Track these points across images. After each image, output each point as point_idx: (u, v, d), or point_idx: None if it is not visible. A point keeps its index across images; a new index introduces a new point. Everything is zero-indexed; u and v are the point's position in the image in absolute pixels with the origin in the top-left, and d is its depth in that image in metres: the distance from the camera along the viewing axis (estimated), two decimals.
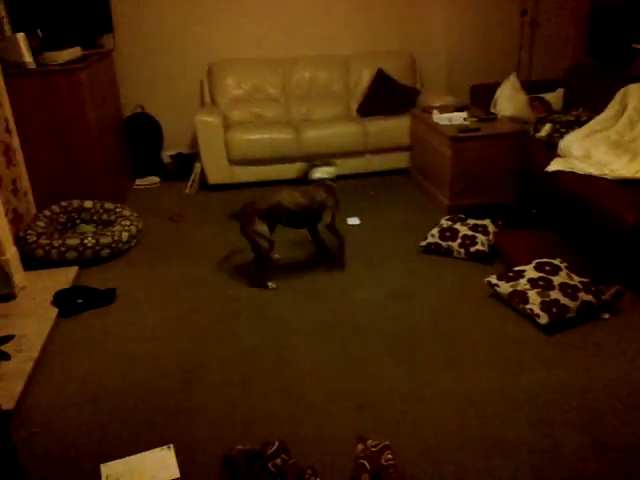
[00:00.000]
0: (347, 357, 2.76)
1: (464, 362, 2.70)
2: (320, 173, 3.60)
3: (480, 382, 2.55)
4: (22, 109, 4.01)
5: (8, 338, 2.87)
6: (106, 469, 2.14)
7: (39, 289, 3.37)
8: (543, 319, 2.87)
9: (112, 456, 2.20)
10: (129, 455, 2.20)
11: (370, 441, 2.16)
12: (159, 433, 2.31)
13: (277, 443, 2.10)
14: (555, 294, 2.94)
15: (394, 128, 5.05)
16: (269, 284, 3.40)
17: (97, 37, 4.91)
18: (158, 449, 2.22)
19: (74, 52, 4.28)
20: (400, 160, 5.19)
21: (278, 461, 2.00)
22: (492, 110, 4.77)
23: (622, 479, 2.05)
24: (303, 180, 3.63)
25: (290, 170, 5.00)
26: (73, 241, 3.67)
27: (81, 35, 4.54)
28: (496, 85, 4.87)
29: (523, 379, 2.57)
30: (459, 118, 4.48)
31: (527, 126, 4.44)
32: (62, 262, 3.64)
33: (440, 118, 4.50)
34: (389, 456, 2.07)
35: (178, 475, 2.10)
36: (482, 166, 4.20)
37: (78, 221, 4.16)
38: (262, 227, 3.32)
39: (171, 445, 2.23)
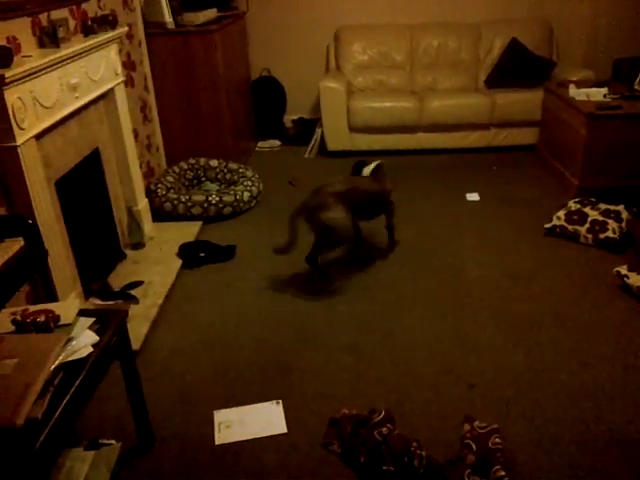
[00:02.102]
0: (460, 334, 2.70)
1: (584, 353, 2.55)
2: (369, 170, 3.34)
3: (600, 377, 2.41)
4: (159, 68, 4.21)
5: (138, 284, 3.08)
6: (219, 416, 2.27)
7: (166, 240, 3.59)
8: None
9: (225, 404, 2.32)
10: (241, 405, 2.31)
11: (478, 422, 2.12)
12: (270, 387, 2.40)
13: (384, 412, 2.12)
14: None
15: (524, 101, 4.79)
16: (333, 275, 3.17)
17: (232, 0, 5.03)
18: (268, 403, 2.31)
19: (210, 14, 4.42)
20: (528, 136, 4.93)
21: (384, 430, 2.01)
22: (636, 87, 4.38)
23: None
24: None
25: (411, 140, 4.94)
26: (199, 197, 3.85)
27: None
28: None
29: None
30: (598, 94, 4.16)
31: None
32: (187, 216, 3.84)
33: (577, 93, 4.20)
34: (497, 440, 2.02)
35: (286, 430, 2.18)
36: (620, 147, 3.89)
37: (203, 179, 4.35)
38: (342, 211, 2.99)
39: (280, 401, 2.31)
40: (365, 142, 4.96)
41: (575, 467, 1.99)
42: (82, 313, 1.83)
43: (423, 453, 1.89)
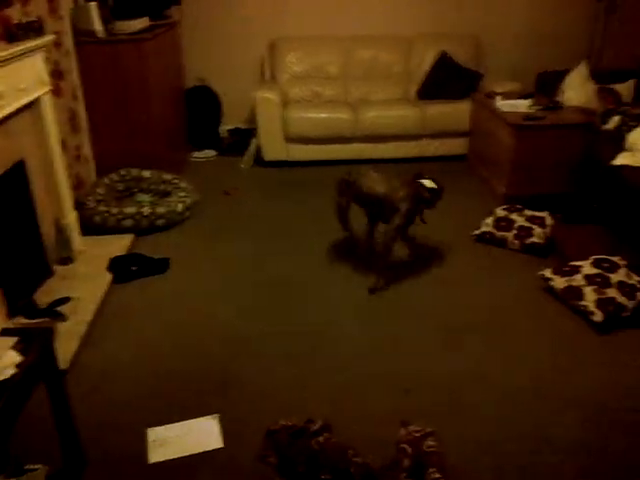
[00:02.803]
0: (395, 340, 2.74)
1: (514, 355, 2.65)
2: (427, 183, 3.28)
3: (529, 377, 2.50)
4: (89, 77, 4.10)
5: (65, 300, 2.97)
6: (152, 433, 2.21)
7: (95, 254, 3.48)
8: (597, 317, 2.79)
9: (159, 421, 2.26)
10: (175, 422, 2.26)
11: (413, 426, 2.15)
12: (206, 402, 2.36)
13: (321, 421, 2.11)
14: (612, 292, 2.85)
15: (454, 113, 4.95)
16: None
17: (165, 8, 4.96)
18: (204, 418, 2.27)
19: (142, 22, 4.34)
20: (458, 146, 5.08)
21: (321, 439, 2.01)
22: (558, 99, 4.60)
23: None
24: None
25: (346, 151, 5.00)
26: (130, 209, 3.76)
27: (150, 6, 4.59)
28: (564, 73, 4.69)
29: (573, 377, 2.50)
30: (523, 105, 4.35)
31: (594, 117, 4.26)
32: (118, 229, 3.74)
33: (503, 104, 4.38)
34: (432, 443, 2.05)
35: (222, 445, 2.15)
36: (544, 156, 4.07)
37: (136, 190, 4.26)
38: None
39: (217, 415, 2.28)
40: (301, 152, 4.99)
41: (508, 466, 2.06)
42: (5, 332, 1.75)
43: (359, 460, 1.89)
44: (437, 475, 1.87)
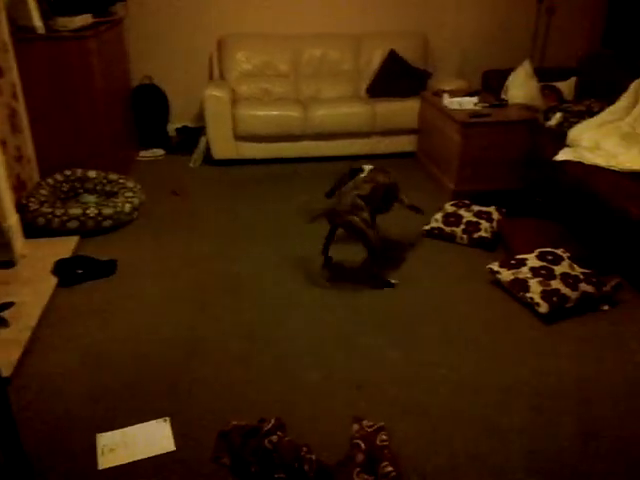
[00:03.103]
0: (345, 338, 2.75)
1: (462, 347, 2.70)
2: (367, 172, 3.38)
3: (477, 368, 2.55)
4: (30, 75, 3.96)
5: (7, 305, 2.86)
6: (102, 439, 2.15)
7: (39, 257, 3.37)
8: (543, 308, 2.87)
9: (109, 427, 2.21)
10: (126, 426, 2.21)
11: (366, 421, 2.17)
12: (156, 405, 2.32)
13: (273, 420, 2.11)
14: (556, 283, 2.93)
15: (403, 110, 5.00)
16: (392, 281, 3.18)
17: (109, 5, 4.83)
18: (154, 421, 2.23)
19: (85, 19, 4.22)
20: (408, 143, 5.15)
21: (274, 438, 2.01)
22: (503, 96, 4.72)
23: (610, 470, 2.06)
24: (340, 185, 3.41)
25: (297, 148, 4.99)
26: (75, 210, 3.65)
27: (93, 2, 4.47)
28: (509, 71, 4.81)
29: (520, 366, 2.57)
30: (470, 103, 4.44)
31: (537, 114, 4.38)
32: (63, 231, 3.63)
33: (450, 102, 4.45)
34: (384, 437, 2.08)
35: (174, 448, 2.11)
36: (490, 152, 4.17)
37: (81, 191, 4.14)
38: (367, 215, 3.09)
39: (167, 418, 2.24)
40: (251, 150, 4.95)
41: (456, 456, 2.10)
42: None
43: (313, 457, 1.90)
44: (390, 468, 1.90)
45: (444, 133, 4.41)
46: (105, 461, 2.06)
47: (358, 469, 1.92)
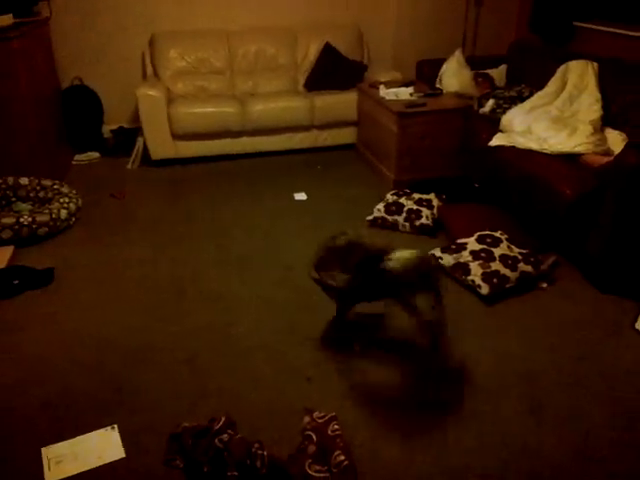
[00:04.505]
0: (295, 331, 2.76)
1: (405, 331, 2.74)
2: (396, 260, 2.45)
3: (420, 349, 2.61)
4: None
5: None
6: (48, 452, 2.09)
7: None
8: (484, 290, 2.95)
9: (55, 439, 2.15)
10: (73, 437, 2.16)
11: (317, 413, 2.18)
12: (105, 414, 2.26)
13: (223, 418, 2.09)
14: (496, 265, 3.02)
15: (341, 103, 5.03)
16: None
17: (32, 5, 4.66)
18: (102, 430, 2.18)
19: (6, 19, 4.04)
20: (347, 135, 5.18)
21: (224, 436, 1.99)
22: (437, 85, 4.81)
23: (557, 442, 2.14)
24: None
25: (236, 145, 4.95)
26: (8, 220, 3.51)
27: (14, 1, 4.29)
28: (441, 61, 4.91)
29: (464, 346, 2.64)
30: (405, 93, 4.50)
31: (471, 102, 4.50)
32: None
33: (387, 93, 4.51)
34: (336, 427, 2.09)
35: (124, 455, 2.08)
36: (427, 141, 4.25)
37: (14, 199, 3.99)
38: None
39: (115, 425, 2.20)
40: (190, 149, 4.88)
41: (407, 443, 2.14)
42: None
43: (265, 453, 1.89)
44: (342, 457, 1.91)
45: (382, 124, 4.47)
46: (53, 475, 2.01)
47: (310, 460, 1.92)
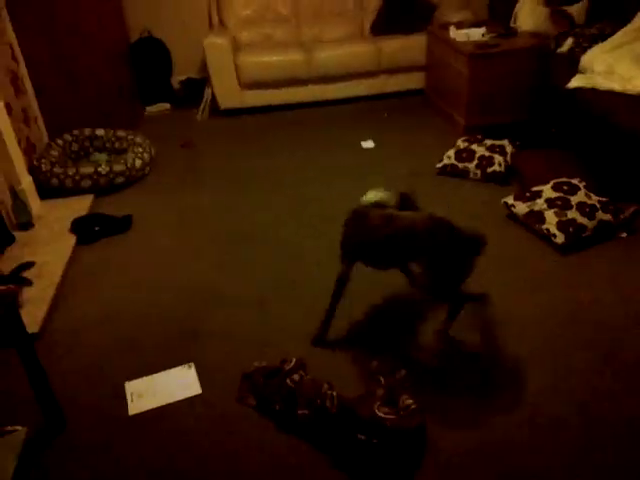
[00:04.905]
0: (363, 276, 2.76)
1: (478, 282, 2.70)
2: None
3: (494, 300, 2.57)
4: (27, 35, 3.92)
5: (29, 265, 2.92)
6: (130, 386, 2.23)
7: (56, 217, 3.41)
8: (559, 239, 2.85)
9: (136, 375, 2.28)
10: (152, 374, 2.28)
11: (384, 359, 2.21)
12: (179, 354, 2.37)
13: (294, 360, 2.16)
14: (572, 213, 2.91)
15: (409, 47, 4.87)
16: None
17: None
18: (179, 368, 2.29)
19: None
20: (416, 81, 5.03)
21: (295, 377, 2.06)
22: (512, 25, 4.58)
23: (628, 391, 2.09)
24: None
25: (302, 93, 4.91)
26: (87, 169, 3.67)
27: None
28: None
29: (539, 297, 2.58)
30: (477, 34, 4.31)
31: (548, 41, 4.25)
32: (77, 190, 3.65)
33: (457, 34, 4.33)
34: (403, 372, 2.12)
35: (200, 391, 2.18)
36: (500, 84, 4.07)
37: (91, 149, 4.15)
38: None
39: (192, 364, 2.30)
40: (257, 98, 4.89)
41: (480, 393, 2.14)
42: None
43: (334, 393, 1.95)
44: (410, 401, 1.94)
45: (452, 67, 4.31)
46: (135, 407, 2.14)
47: (379, 402, 1.96)
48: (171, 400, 2.15)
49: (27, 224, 3.31)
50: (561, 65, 3.97)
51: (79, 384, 2.26)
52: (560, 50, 4.11)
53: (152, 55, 5.25)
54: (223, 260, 3.00)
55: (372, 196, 2.30)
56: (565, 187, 3.07)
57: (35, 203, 3.46)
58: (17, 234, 3.24)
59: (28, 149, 3.81)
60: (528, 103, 4.15)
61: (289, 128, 4.62)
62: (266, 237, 3.18)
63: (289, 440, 1.97)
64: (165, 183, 3.84)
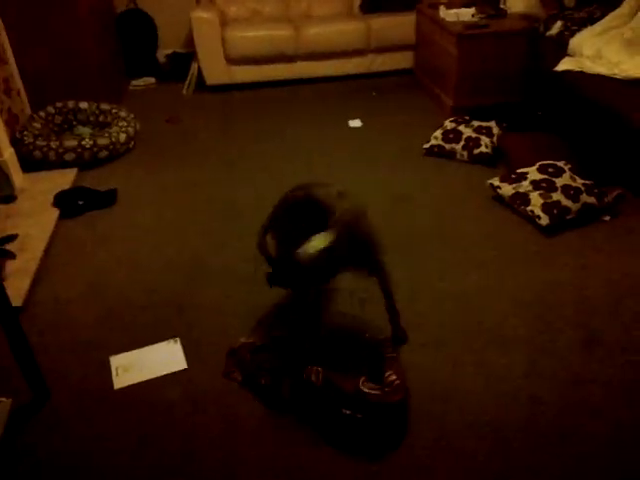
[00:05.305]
0: None
1: (464, 262, 2.73)
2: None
3: (479, 281, 2.59)
4: (9, 4, 3.82)
5: (12, 237, 2.89)
6: (115, 360, 2.22)
7: (39, 190, 3.36)
8: (544, 220, 2.88)
9: (121, 349, 2.27)
10: (137, 348, 2.27)
11: (371, 334, 2.23)
12: (166, 328, 2.37)
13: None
14: (557, 196, 2.93)
15: (399, 25, 4.85)
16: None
17: None
18: (165, 342, 2.29)
19: None
20: (404, 60, 5.02)
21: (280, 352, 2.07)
22: (502, 6, 4.56)
23: (612, 373, 2.13)
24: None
25: (290, 70, 4.87)
26: (71, 142, 3.61)
27: None
28: None
29: (521, 278, 2.60)
30: (467, 14, 4.29)
31: (537, 23, 4.25)
32: (60, 164, 3.60)
33: (447, 14, 4.31)
34: (390, 349, 2.14)
35: (186, 366, 2.18)
36: (489, 65, 4.07)
37: (75, 122, 4.08)
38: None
39: (177, 338, 2.30)
40: (244, 74, 4.85)
41: (461, 365, 2.16)
42: None
43: (319, 368, 1.96)
44: (394, 377, 1.96)
45: (441, 47, 4.29)
46: (120, 381, 2.14)
47: (363, 378, 1.98)
48: (157, 374, 2.15)
49: (9, 197, 3.26)
50: (550, 48, 3.98)
51: (63, 357, 2.25)
52: (549, 33, 4.11)
53: (138, 28, 5.17)
54: (209, 235, 2.99)
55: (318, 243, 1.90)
56: (550, 169, 3.09)
57: (18, 176, 3.40)
58: None
59: (10, 120, 3.73)
60: (516, 85, 4.16)
61: (276, 105, 4.59)
62: (250, 212, 3.17)
63: (275, 415, 1.98)
64: (150, 158, 3.80)
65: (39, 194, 3.32)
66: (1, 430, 1.75)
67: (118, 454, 1.87)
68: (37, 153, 3.57)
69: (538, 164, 3.15)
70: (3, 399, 1.87)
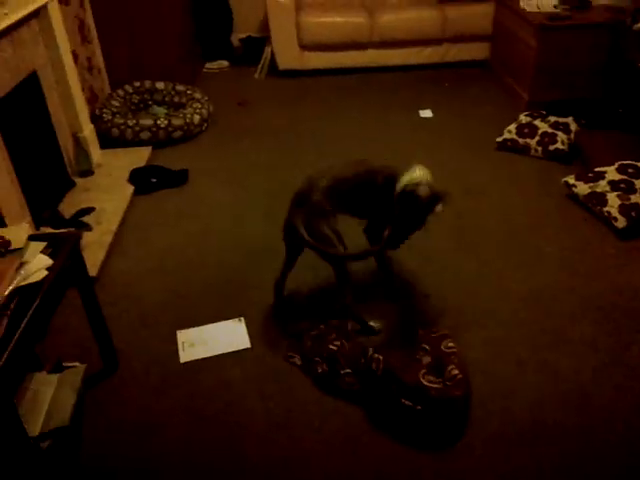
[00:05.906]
0: (415, 250, 2.75)
1: (533, 261, 2.66)
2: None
3: (548, 281, 2.53)
4: None
5: (89, 210, 3.01)
6: (182, 335, 2.29)
7: (115, 167, 3.49)
8: (620, 223, 2.77)
9: (188, 324, 2.34)
10: (202, 325, 2.34)
11: (430, 328, 2.22)
12: (231, 306, 2.43)
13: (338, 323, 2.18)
14: (636, 198, 2.81)
15: (476, 14, 4.72)
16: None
17: None
18: (230, 321, 2.35)
19: None
20: (479, 51, 4.89)
21: (337, 342, 2.09)
22: None
23: None
24: None
25: (362, 57, 4.84)
26: (147, 121, 3.72)
27: None
28: None
29: (592, 281, 2.52)
30: (549, 5, 4.14)
31: (624, 16, 4.05)
32: (136, 142, 3.72)
33: (528, 4, 4.17)
34: (450, 344, 2.11)
35: (249, 345, 2.23)
36: (569, 58, 3.92)
37: (150, 102, 4.20)
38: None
39: (242, 318, 2.35)
40: (316, 60, 4.84)
41: (523, 364, 2.12)
42: (33, 238, 1.79)
43: (380, 357, 1.96)
44: (456, 371, 1.94)
45: (519, 38, 4.16)
46: (186, 355, 2.21)
47: (424, 370, 1.97)
48: (221, 352, 2.21)
49: (88, 171, 3.40)
50: (636, 42, 3.79)
51: (133, 328, 2.34)
52: (636, 26, 3.91)
53: (213, 11, 5.23)
54: (277, 217, 3.01)
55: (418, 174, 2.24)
56: (630, 170, 2.96)
57: (96, 151, 3.54)
58: (78, 180, 3.34)
59: (91, 98, 3.88)
60: (597, 80, 3.99)
61: (347, 92, 4.57)
62: None
63: (334, 400, 2.00)
64: (221, 140, 3.87)
65: (115, 170, 3.44)
66: (75, 395, 1.84)
67: (176, 427, 1.93)
68: (115, 130, 3.70)
69: (617, 164, 3.02)
70: (77, 364, 1.96)
